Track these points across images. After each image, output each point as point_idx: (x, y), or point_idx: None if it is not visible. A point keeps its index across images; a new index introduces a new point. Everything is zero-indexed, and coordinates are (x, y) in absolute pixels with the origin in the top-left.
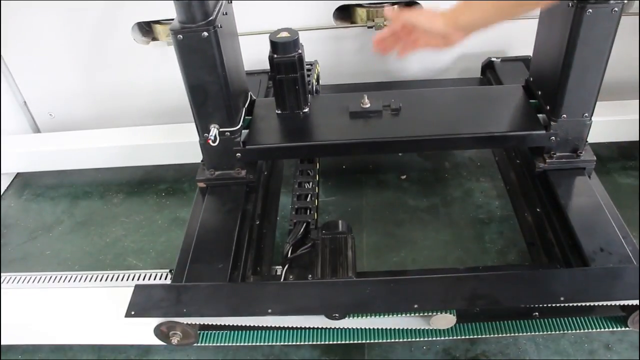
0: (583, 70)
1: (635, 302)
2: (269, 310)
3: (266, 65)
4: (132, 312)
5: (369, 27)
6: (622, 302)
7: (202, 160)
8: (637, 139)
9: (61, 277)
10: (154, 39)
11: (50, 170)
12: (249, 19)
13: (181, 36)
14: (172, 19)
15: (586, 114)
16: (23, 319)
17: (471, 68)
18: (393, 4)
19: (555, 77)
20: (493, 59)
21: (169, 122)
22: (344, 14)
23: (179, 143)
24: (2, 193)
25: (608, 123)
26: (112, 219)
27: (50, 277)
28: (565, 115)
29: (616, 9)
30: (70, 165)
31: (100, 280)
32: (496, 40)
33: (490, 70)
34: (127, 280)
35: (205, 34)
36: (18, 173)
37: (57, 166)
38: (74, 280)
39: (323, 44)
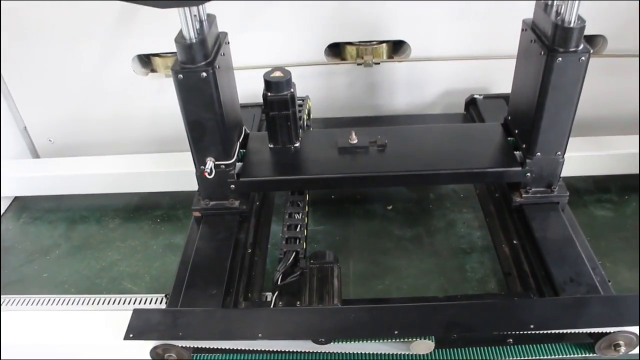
0: (555, 112)
1: (602, 329)
2: (260, 335)
3: (259, 99)
4: (131, 335)
5: (358, 64)
6: (589, 330)
7: (197, 190)
8: (611, 173)
9: (59, 300)
10: (153, 70)
11: (48, 194)
12: (244, 54)
13: (181, 76)
14: (171, 52)
15: (559, 152)
16: (22, 339)
17: (455, 104)
18: (380, 42)
19: (530, 117)
20: (476, 96)
21: (164, 150)
22: (335, 51)
23: (173, 172)
24: (0, 216)
25: (585, 158)
26: (108, 243)
27: (48, 300)
28: (539, 153)
29: (583, 57)
30: (67, 190)
31: (97, 304)
32: (479, 78)
33: (473, 107)
34: (123, 304)
35: (204, 74)
36: (16, 197)
37: (55, 191)
38: (72, 303)
39: (315, 79)
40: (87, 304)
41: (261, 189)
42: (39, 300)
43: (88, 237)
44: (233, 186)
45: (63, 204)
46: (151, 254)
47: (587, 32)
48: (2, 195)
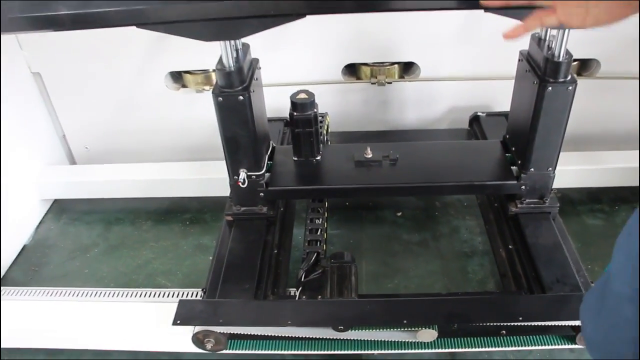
0: (546, 133)
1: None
2: (289, 322)
3: (282, 113)
4: (178, 321)
5: (372, 83)
6: (570, 323)
7: (229, 197)
8: (603, 186)
9: (102, 292)
10: (184, 86)
11: (86, 198)
12: (271, 73)
13: (221, 99)
14: (200, 70)
15: (550, 168)
16: (71, 327)
17: (460, 120)
18: (392, 63)
19: (525, 137)
20: (479, 114)
21: (192, 158)
22: (351, 71)
23: (201, 179)
24: (42, 217)
25: (580, 171)
26: (142, 243)
27: (94, 293)
28: (533, 169)
29: (570, 87)
30: (103, 194)
31: (138, 296)
32: (482, 97)
33: (476, 123)
34: (162, 297)
35: (241, 97)
36: (55, 200)
37: (91, 195)
38: (115, 296)
39: (333, 96)
40: (130, 296)
41: (287, 197)
42: (85, 293)
43: (124, 237)
44: (262, 194)
45: (99, 206)
46: (182, 253)
47: (581, 56)
48: (43, 199)
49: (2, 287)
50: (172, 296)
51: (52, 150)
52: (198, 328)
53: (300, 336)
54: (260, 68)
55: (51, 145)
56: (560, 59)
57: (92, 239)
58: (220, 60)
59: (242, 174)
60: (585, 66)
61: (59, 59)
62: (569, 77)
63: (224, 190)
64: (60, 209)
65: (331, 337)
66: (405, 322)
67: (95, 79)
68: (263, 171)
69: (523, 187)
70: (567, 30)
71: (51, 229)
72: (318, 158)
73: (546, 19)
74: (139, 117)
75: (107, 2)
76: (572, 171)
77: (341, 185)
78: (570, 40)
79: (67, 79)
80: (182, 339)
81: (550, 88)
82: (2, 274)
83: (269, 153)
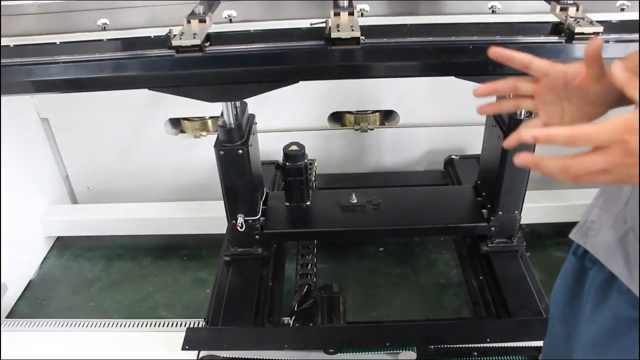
0: (512, 181)
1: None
2: (285, 346)
3: (273, 157)
4: (187, 347)
5: (355, 130)
6: (533, 344)
7: (226, 238)
8: (568, 221)
9: (108, 323)
10: (182, 131)
11: (87, 235)
12: (264, 121)
13: (222, 152)
14: (197, 117)
15: (516, 211)
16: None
17: (436, 162)
18: (374, 111)
19: (493, 184)
20: (453, 157)
21: (189, 198)
22: (336, 118)
23: (197, 217)
24: (46, 254)
25: (546, 208)
26: (143, 278)
27: (100, 323)
28: (501, 212)
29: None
30: (104, 231)
31: (142, 326)
32: (456, 141)
33: (450, 165)
34: (165, 326)
35: (240, 151)
36: (59, 237)
37: (93, 232)
38: (121, 326)
39: (319, 141)
40: (134, 326)
41: (280, 239)
42: (91, 323)
43: (125, 273)
44: (258, 237)
45: (100, 243)
46: (181, 287)
47: None
48: (46, 236)
49: (11, 319)
50: (175, 326)
51: (56, 190)
52: (203, 353)
53: (296, 359)
54: (256, 123)
55: (55, 185)
56: (522, 117)
57: (94, 274)
58: (221, 118)
59: (240, 219)
60: None
61: (66, 106)
62: None
63: (219, 229)
64: (63, 245)
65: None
66: (387, 344)
67: (98, 123)
68: (258, 216)
69: (493, 228)
70: None
71: (55, 264)
72: (308, 203)
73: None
74: (139, 159)
75: (126, 67)
76: (539, 208)
77: (329, 229)
78: None
79: (72, 124)
80: None
81: None
82: (10, 307)
83: (263, 199)
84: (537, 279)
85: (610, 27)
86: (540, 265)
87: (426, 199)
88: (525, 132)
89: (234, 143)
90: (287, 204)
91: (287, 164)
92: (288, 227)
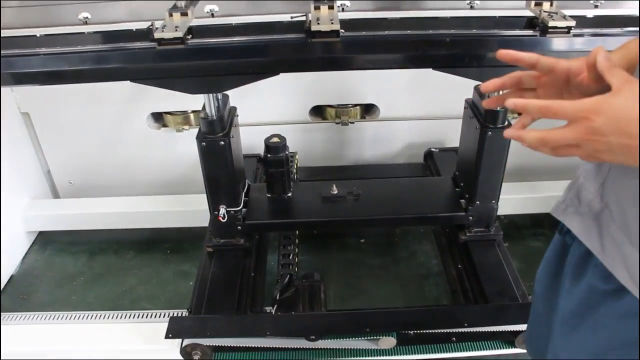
0: (488, 171)
1: (517, 327)
2: (268, 333)
3: (255, 150)
4: (170, 335)
5: (336, 123)
6: (508, 328)
7: (209, 230)
8: (545, 212)
9: (92, 315)
10: (164, 125)
11: (70, 230)
12: (246, 114)
13: (204, 144)
14: (179, 111)
15: (494, 201)
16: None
17: (416, 155)
18: (354, 105)
19: (470, 174)
20: (432, 149)
21: (171, 192)
22: (317, 112)
23: (180, 210)
24: (28, 249)
25: (524, 199)
26: (126, 271)
27: (84, 315)
28: (478, 202)
29: None
30: (87, 226)
31: (126, 318)
32: (435, 134)
33: (430, 158)
34: (149, 317)
35: (222, 142)
36: (40, 232)
37: (75, 226)
38: (105, 318)
39: (300, 135)
40: (117, 318)
41: (262, 230)
42: (75, 316)
43: (108, 266)
44: (240, 227)
45: (83, 237)
46: (164, 279)
47: None
48: (28, 231)
49: None
50: (158, 317)
51: (37, 185)
52: (187, 341)
53: (278, 346)
54: (238, 116)
55: (37, 180)
56: (498, 108)
57: (77, 268)
58: (203, 110)
59: (222, 210)
60: None
61: (47, 100)
62: (506, 123)
63: (202, 222)
64: (45, 240)
65: (304, 347)
66: (368, 330)
67: (80, 118)
68: (240, 207)
69: (471, 217)
70: None
71: (37, 259)
72: (289, 194)
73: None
74: (121, 154)
75: (109, 60)
76: (517, 199)
77: (310, 219)
78: None
79: (53, 118)
80: (170, 354)
81: (490, 133)
82: None
83: (245, 190)
84: (514, 267)
85: (584, 21)
86: (518, 255)
87: (405, 189)
88: (508, 101)
89: (215, 135)
90: (269, 195)
91: (269, 155)
92: (270, 217)
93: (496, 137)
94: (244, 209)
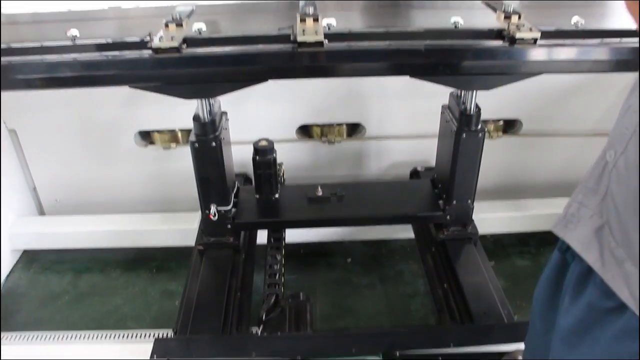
0: (464, 171)
1: (503, 347)
2: (253, 354)
3: (243, 168)
4: (155, 356)
5: (323, 142)
6: (494, 348)
7: (200, 229)
8: (531, 230)
9: (75, 335)
10: (151, 143)
11: (55, 248)
12: (235, 133)
13: (197, 144)
14: (167, 129)
15: (469, 201)
16: None
17: (401, 174)
18: (340, 124)
19: (447, 175)
20: (418, 168)
21: (159, 210)
22: (304, 131)
23: (166, 229)
24: (12, 267)
25: (510, 218)
26: (112, 290)
27: (68, 336)
28: (455, 202)
29: (480, 134)
30: (72, 244)
31: (110, 338)
32: (421, 154)
33: (416, 176)
34: (134, 337)
35: (214, 144)
36: (25, 250)
37: (61, 245)
38: (88, 338)
39: (288, 153)
40: (102, 338)
41: (251, 228)
42: (58, 336)
43: (93, 285)
44: (229, 226)
45: (68, 256)
46: (149, 299)
47: (507, 116)
48: (12, 249)
49: None
50: (143, 337)
51: (23, 203)
52: None
53: None
54: (228, 120)
55: (22, 197)
56: (472, 113)
57: (62, 287)
58: (196, 114)
59: (213, 208)
60: (510, 125)
61: (34, 118)
62: (479, 127)
63: (188, 241)
64: (29, 259)
65: None
66: (354, 350)
67: (66, 136)
68: (230, 206)
69: (448, 217)
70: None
71: (21, 278)
72: (277, 196)
73: None
74: (108, 171)
75: (109, 66)
76: (503, 218)
77: (297, 219)
78: (497, 103)
79: (40, 136)
80: None
81: (464, 135)
82: None
83: (234, 191)
84: (488, 262)
85: (549, 33)
86: (505, 274)
87: (387, 191)
88: None
89: (207, 136)
90: (257, 196)
91: (257, 157)
92: (258, 217)
93: (471, 139)
94: (233, 209)
